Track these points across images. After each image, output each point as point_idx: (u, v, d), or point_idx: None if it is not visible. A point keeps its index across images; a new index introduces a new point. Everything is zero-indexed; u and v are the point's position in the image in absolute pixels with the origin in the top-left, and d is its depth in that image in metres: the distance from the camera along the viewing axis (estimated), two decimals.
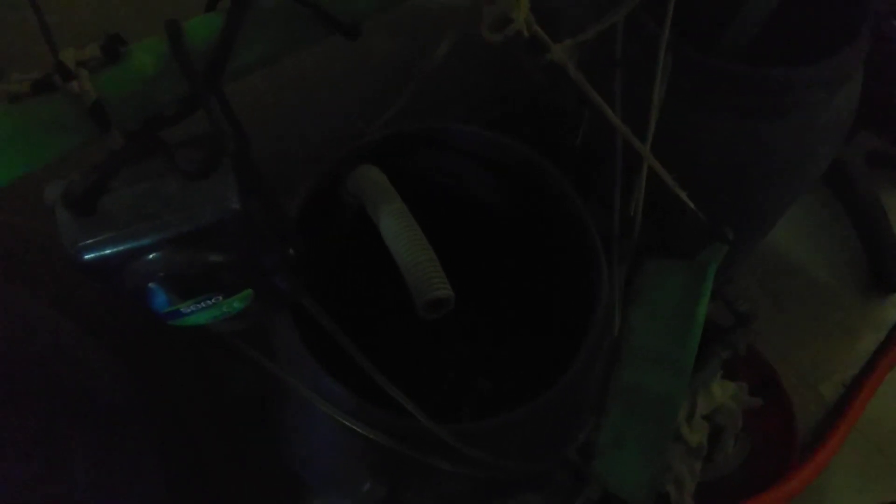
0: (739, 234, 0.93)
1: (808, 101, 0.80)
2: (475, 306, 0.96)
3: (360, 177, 0.68)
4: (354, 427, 0.62)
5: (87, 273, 0.39)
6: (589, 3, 0.92)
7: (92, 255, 0.38)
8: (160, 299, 0.41)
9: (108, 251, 0.38)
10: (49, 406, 0.51)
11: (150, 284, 0.40)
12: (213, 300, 0.42)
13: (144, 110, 0.36)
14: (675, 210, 0.76)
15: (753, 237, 1.05)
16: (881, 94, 1.09)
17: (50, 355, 0.57)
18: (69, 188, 0.37)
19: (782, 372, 1.13)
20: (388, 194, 0.66)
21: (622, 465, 0.71)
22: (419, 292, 0.59)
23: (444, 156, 0.79)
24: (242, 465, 0.86)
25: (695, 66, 0.79)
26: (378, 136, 0.74)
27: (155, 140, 0.38)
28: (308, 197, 0.71)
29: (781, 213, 0.99)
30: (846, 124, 0.88)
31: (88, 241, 0.38)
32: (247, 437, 0.85)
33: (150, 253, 0.39)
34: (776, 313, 1.20)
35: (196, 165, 0.37)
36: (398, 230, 0.62)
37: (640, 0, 0.81)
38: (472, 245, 0.87)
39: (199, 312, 0.43)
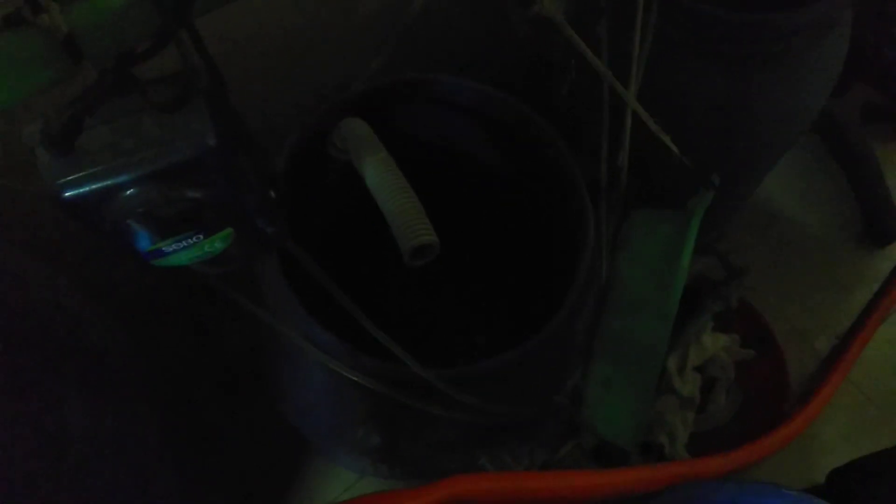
0: (729, 184, 0.93)
1: (794, 47, 0.80)
2: (468, 259, 0.97)
3: (345, 129, 0.69)
4: (344, 373, 0.63)
5: (70, 211, 0.40)
6: None
7: (72, 193, 0.39)
8: (141, 237, 0.42)
9: (86, 188, 0.39)
10: (42, 351, 0.53)
11: (130, 222, 0.41)
12: (193, 239, 0.43)
13: (116, 45, 0.37)
14: (661, 157, 0.76)
15: (744, 187, 1.05)
16: (872, 44, 1.08)
17: (42, 306, 0.58)
18: (46, 127, 0.38)
19: (775, 324, 1.14)
20: (373, 145, 0.66)
21: (610, 409, 0.72)
22: (404, 239, 0.59)
23: (431, 108, 0.79)
24: (241, 419, 0.88)
25: (680, 11, 0.79)
26: (363, 88, 0.74)
27: (128, 76, 0.38)
28: (295, 150, 0.71)
29: (771, 162, 0.99)
30: (834, 72, 0.88)
31: (68, 179, 0.39)
32: (245, 390, 0.86)
33: (129, 189, 0.40)
34: (770, 267, 1.20)
35: (168, 100, 0.37)
36: (382, 180, 0.63)
37: None
38: (463, 197, 0.88)
39: (180, 252, 0.44)
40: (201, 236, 0.43)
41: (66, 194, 0.39)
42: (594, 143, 0.81)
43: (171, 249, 0.43)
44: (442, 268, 0.93)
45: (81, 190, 0.39)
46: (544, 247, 0.87)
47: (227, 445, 0.87)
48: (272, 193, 0.48)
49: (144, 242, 0.42)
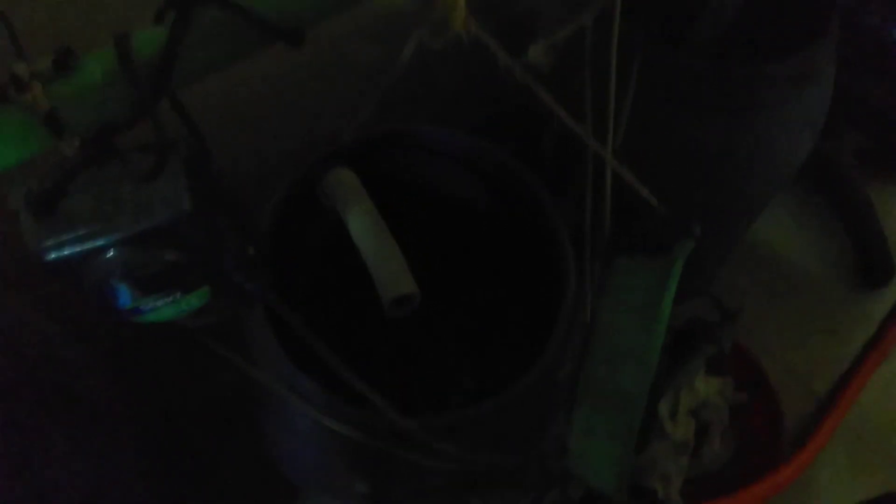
0: (717, 230, 0.94)
1: (775, 98, 0.81)
2: (455, 305, 0.98)
3: (332, 179, 0.71)
4: (325, 422, 0.64)
5: (53, 271, 0.42)
6: (564, 3, 0.94)
7: (53, 255, 0.41)
8: (121, 296, 0.44)
9: (67, 251, 0.41)
10: (32, 396, 0.54)
11: (111, 281, 0.43)
12: (171, 297, 0.45)
13: (98, 117, 0.39)
14: (643, 205, 0.77)
15: (732, 232, 1.06)
16: (859, 90, 1.10)
17: (34, 355, 0.60)
18: (29, 192, 0.40)
19: (770, 367, 1.14)
20: (358, 196, 0.68)
21: (593, 457, 0.72)
22: (384, 290, 0.61)
23: (417, 155, 0.81)
24: (229, 460, 0.89)
25: (662, 63, 0.81)
26: (351, 139, 0.76)
27: (109, 145, 0.40)
28: (283, 201, 0.73)
29: (758, 209, 1.00)
30: (818, 121, 0.90)
31: (49, 242, 0.41)
32: (234, 436, 0.87)
33: (108, 252, 0.41)
34: (765, 308, 1.21)
35: (145, 169, 0.39)
36: (364, 230, 0.64)
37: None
38: (449, 243, 0.89)
39: (158, 309, 0.45)
40: (178, 294, 0.45)
41: (48, 257, 0.41)
42: (580, 191, 0.83)
43: (149, 307, 0.45)
44: (431, 310, 0.95)
45: (62, 252, 0.41)
46: (530, 291, 0.88)
47: (214, 487, 0.87)
48: (251, 251, 0.50)
49: (124, 301, 0.44)
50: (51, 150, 0.39)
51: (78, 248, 0.41)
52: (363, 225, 0.65)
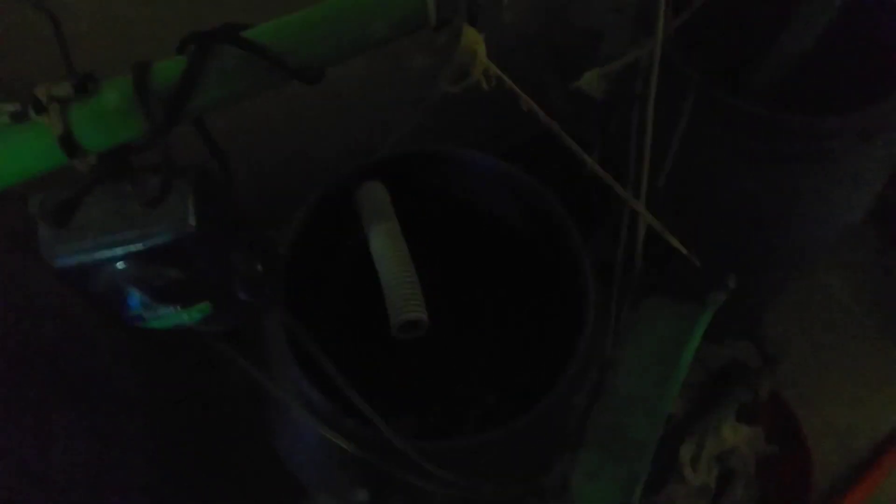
0: (761, 278, 0.91)
1: (834, 152, 0.77)
2: (479, 320, 0.98)
3: (362, 193, 0.72)
4: (327, 434, 0.66)
5: (61, 278, 0.44)
6: (629, 28, 0.92)
7: (63, 263, 0.43)
8: (123, 305, 0.46)
9: (74, 260, 0.43)
10: (42, 375, 0.57)
11: (115, 292, 0.45)
12: (171, 309, 0.47)
13: (114, 139, 0.41)
14: (676, 254, 0.75)
15: (778, 282, 1.02)
16: None
17: (52, 330, 0.63)
18: (45, 202, 0.42)
19: (809, 419, 1.10)
20: (383, 213, 0.69)
21: (593, 501, 0.71)
22: (393, 312, 0.61)
23: (453, 178, 0.81)
24: (238, 456, 0.91)
25: (716, 106, 0.78)
26: (388, 154, 0.77)
27: (123, 165, 0.42)
28: (313, 210, 0.74)
29: (808, 261, 0.96)
30: (881, 173, 0.85)
31: (60, 251, 0.43)
32: (245, 429, 0.90)
33: (113, 265, 0.43)
34: (809, 359, 1.16)
35: (153, 189, 0.41)
36: (383, 250, 0.65)
37: (670, 35, 0.81)
38: (478, 264, 0.89)
39: (161, 318, 0.47)
40: (178, 307, 0.47)
41: (58, 264, 0.43)
42: (615, 224, 0.81)
43: (150, 316, 0.47)
44: (461, 323, 0.95)
45: (70, 261, 0.43)
46: (555, 319, 0.87)
47: (220, 478, 0.90)
48: (259, 268, 0.51)
49: (126, 310, 0.46)
50: (65, 166, 0.41)
51: (86, 259, 0.43)
52: (383, 244, 0.65)
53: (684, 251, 0.70)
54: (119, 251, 0.43)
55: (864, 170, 0.80)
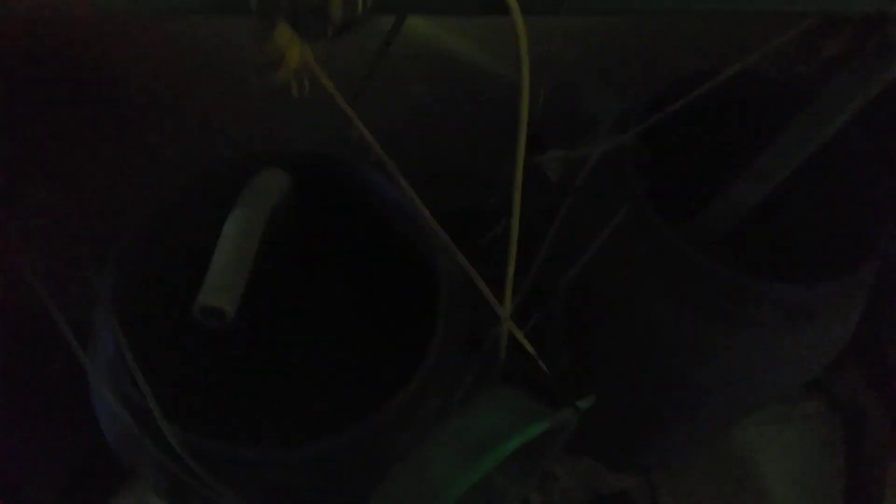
0: (669, 422, 0.84)
1: (758, 320, 0.69)
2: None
3: (255, 178, 0.70)
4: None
5: None
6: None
7: None
8: None
9: None
10: None
11: None
12: None
13: None
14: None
15: (692, 434, 0.93)
16: (875, 340, 0.91)
17: None
18: None
19: None
20: (255, 202, 0.67)
21: None
22: (201, 295, 0.60)
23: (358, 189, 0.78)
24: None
25: (662, 246, 0.70)
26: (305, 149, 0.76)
27: None
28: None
29: (727, 421, 0.87)
30: (828, 352, 0.75)
31: None
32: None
33: None
34: None
35: None
36: (227, 233, 0.63)
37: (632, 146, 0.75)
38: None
39: None
40: None
41: None
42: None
43: None
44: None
45: None
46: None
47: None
48: None
49: None
50: None
51: None
52: (232, 229, 0.64)
53: (544, 367, 0.65)
54: None
55: (808, 344, 0.71)
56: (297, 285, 0.90)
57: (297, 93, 0.46)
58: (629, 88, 0.90)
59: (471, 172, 1.00)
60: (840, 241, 0.75)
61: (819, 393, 1.10)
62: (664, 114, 0.72)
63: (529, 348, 0.67)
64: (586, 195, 0.78)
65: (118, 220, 0.71)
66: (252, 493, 0.67)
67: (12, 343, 0.75)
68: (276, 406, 0.93)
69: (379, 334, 0.94)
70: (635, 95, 0.77)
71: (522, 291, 0.73)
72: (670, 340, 0.74)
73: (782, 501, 1.04)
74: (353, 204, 0.79)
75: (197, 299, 0.59)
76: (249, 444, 0.64)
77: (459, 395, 0.77)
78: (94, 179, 0.87)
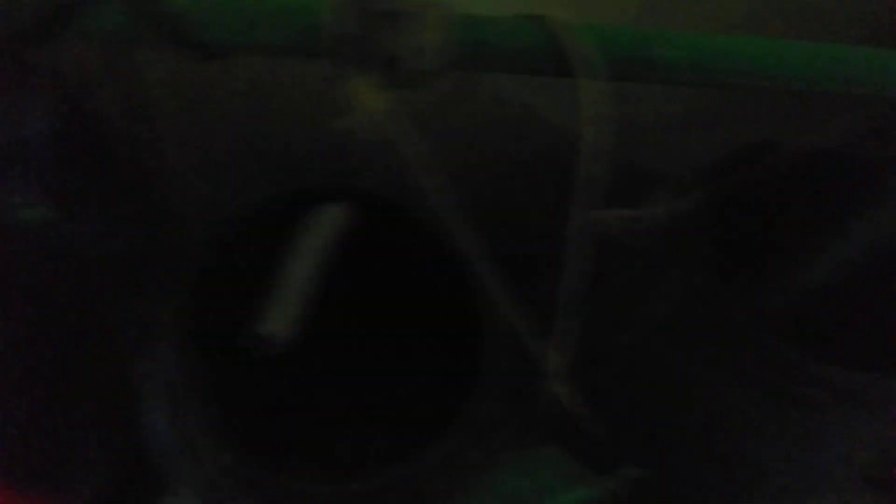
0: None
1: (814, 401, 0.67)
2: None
3: (323, 211, 0.72)
4: None
5: None
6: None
7: None
8: None
9: None
10: None
11: None
12: None
13: None
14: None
15: None
16: None
17: None
18: None
19: None
20: (315, 234, 0.68)
21: None
22: (261, 320, 0.61)
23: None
24: None
25: (723, 318, 0.68)
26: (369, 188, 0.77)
27: None
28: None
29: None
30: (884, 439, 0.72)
31: None
32: None
33: None
34: None
35: None
36: (290, 264, 0.65)
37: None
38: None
39: None
40: None
41: None
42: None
43: None
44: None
45: None
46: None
47: None
48: None
49: None
50: None
51: None
52: (294, 260, 0.65)
53: (584, 419, 0.63)
54: None
55: (841, 433, 0.68)
56: (343, 320, 0.90)
57: (368, 136, 0.47)
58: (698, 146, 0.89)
59: (528, 219, 1.00)
60: None
61: (877, 490, 1.04)
62: (732, 180, 0.71)
63: (576, 409, 0.66)
64: (645, 256, 0.77)
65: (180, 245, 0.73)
66: None
67: (62, 346, 0.77)
68: (312, 436, 0.93)
69: (421, 371, 0.93)
70: (706, 156, 0.76)
71: (572, 349, 0.72)
72: (718, 409, 0.72)
73: None
74: (405, 244, 0.80)
75: (256, 325, 0.60)
76: (289, 472, 0.64)
77: (500, 446, 0.75)
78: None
